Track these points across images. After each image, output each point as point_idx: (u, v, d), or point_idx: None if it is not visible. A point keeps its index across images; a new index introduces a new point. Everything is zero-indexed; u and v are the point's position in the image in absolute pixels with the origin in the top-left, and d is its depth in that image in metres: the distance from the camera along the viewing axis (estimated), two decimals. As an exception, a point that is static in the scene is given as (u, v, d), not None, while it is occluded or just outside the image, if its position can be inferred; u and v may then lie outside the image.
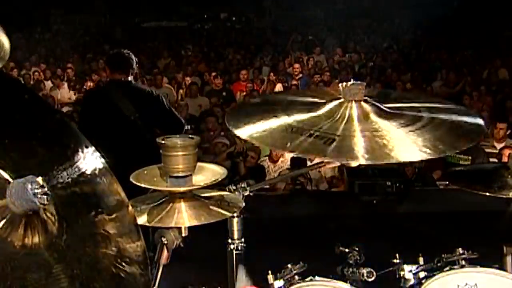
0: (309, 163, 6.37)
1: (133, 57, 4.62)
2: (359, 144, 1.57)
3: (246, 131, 1.70)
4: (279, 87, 11.06)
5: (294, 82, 11.20)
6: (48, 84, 11.33)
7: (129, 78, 4.56)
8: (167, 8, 16.94)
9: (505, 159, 5.75)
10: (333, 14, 16.38)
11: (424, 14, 12.41)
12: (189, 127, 5.95)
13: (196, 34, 17.29)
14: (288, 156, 6.83)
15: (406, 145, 1.58)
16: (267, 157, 6.90)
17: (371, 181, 5.50)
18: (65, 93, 10.87)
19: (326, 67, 12.45)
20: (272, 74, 11.59)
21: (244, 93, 10.40)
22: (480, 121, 1.74)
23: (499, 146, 6.55)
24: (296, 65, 12.03)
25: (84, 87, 10.37)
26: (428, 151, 1.55)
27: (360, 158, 1.53)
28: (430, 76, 11.22)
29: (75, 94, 10.68)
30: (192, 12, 17.86)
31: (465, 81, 10.57)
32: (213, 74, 11.16)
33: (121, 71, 4.53)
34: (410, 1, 13.08)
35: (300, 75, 11.70)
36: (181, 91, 10.95)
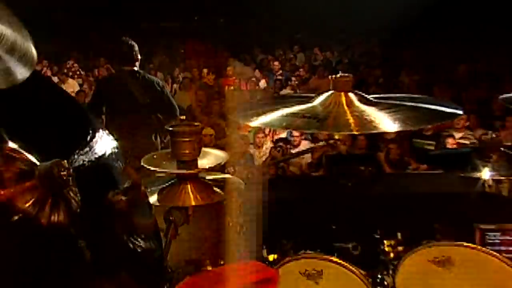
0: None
1: (136, 46, 4.70)
2: (351, 119, 1.70)
3: (256, 122, 1.80)
4: (263, 82, 11.06)
5: (279, 77, 11.20)
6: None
7: (135, 68, 4.67)
8: (163, 11, 16.93)
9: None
10: (314, 16, 16.33)
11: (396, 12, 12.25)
12: (184, 117, 5.92)
13: (188, 34, 17.13)
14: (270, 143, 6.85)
15: (388, 120, 1.70)
16: (252, 145, 6.90)
17: (347, 166, 5.52)
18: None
19: (305, 64, 12.46)
20: (257, 70, 11.57)
21: (232, 87, 10.36)
22: (459, 112, 1.76)
23: (458, 135, 6.54)
24: (276, 63, 12.09)
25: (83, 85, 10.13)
26: (407, 124, 1.68)
27: (353, 129, 1.66)
28: (398, 72, 11.22)
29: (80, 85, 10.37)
30: (184, 13, 17.69)
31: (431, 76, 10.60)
32: (206, 70, 11.10)
33: (129, 64, 4.65)
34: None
35: (280, 71, 11.73)
36: (175, 85, 10.89)
